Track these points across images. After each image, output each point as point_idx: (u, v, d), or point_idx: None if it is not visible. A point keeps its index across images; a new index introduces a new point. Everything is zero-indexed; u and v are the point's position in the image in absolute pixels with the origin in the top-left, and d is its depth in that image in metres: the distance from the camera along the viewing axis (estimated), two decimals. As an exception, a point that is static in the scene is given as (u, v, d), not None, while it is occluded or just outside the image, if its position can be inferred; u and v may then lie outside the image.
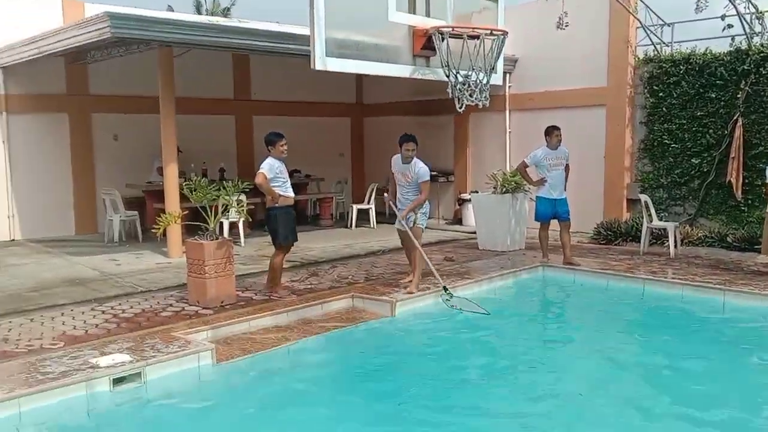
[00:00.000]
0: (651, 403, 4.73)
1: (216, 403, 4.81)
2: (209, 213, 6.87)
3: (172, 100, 9.11)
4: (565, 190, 8.76)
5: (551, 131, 8.68)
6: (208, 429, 4.43)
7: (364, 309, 6.80)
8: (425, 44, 7.51)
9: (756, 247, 8.97)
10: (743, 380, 5.22)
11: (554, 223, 8.77)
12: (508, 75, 12.23)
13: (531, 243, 9.84)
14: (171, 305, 6.80)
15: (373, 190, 12.44)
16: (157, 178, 10.66)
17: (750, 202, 9.74)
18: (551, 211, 8.72)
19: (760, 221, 9.01)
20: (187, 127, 10.69)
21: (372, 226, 12.36)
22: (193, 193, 6.91)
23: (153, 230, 7.34)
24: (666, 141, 10.62)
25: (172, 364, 5.05)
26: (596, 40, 11.18)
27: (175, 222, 7.41)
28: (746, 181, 9.70)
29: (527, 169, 8.94)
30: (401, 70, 7.49)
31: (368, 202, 12.57)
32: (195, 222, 7.19)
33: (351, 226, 12.35)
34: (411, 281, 7.27)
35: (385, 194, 7.70)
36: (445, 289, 6.89)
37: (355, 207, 12.52)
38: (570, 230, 8.82)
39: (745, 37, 9.88)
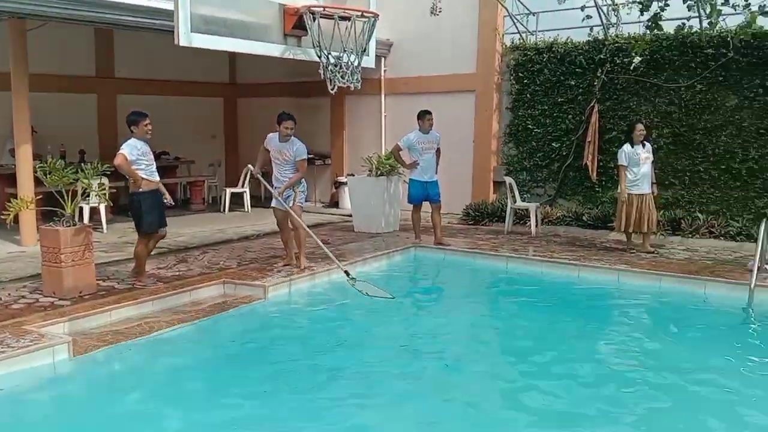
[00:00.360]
0: (510, 364, 5.05)
1: (72, 398, 4.54)
2: (66, 197, 6.43)
3: (25, 76, 8.41)
4: (436, 173, 9.01)
5: (423, 115, 8.88)
6: (60, 427, 4.17)
7: (235, 295, 6.66)
8: (296, 24, 7.44)
9: (609, 224, 9.69)
10: (572, 337, 5.77)
11: (426, 205, 9.01)
12: (383, 59, 12.35)
13: (405, 225, 10.06)
14: (24, 297, 6.31)
15: (247, 173, 12.13)
16: (10, 161, 9.84)
17: (604, 183, 10.46)
18: (423, 194, 8.96)
19: (612, 201, 9.71)
20: (44, 106, 9.93)
21: (246, 210, 12.12)
22: (48, 176, 6.43)
23: (2, 216, 6.79)
24: (529, 126, 11.17)
25: (24, 360, 4.70)
26: (466, 27, 11.52)
27: (27, 207, 6.88)
28: (601, 164, 10.40)
29: (401, 153, 9.12)
30: (271, 49, 7.37)
31: (243, 186, 12.30)
32: (52, 207, 6.71)
33: (224, 210, 12.04)
34: (286, 264, 7.26)
35: (250, 166, 7.55)
36: (347, 273, 6.77)
37: (229, 190, 12.22)
38: (441, 212, 9.10)
39: (602, 27, 10.56)
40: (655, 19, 8.76)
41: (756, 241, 7.06)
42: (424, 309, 7.03)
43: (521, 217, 10.55)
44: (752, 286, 6.51)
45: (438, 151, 9.01)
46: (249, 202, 12.22)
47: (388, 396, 4.57)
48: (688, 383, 4.74)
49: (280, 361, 5.19)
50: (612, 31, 10.57)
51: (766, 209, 9.15)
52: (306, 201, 7.58)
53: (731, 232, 9.22)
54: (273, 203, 7.48)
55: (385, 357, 5.35)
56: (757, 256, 6.84)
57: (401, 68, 12.37)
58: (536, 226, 10.06)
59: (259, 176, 7.43)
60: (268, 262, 7.77)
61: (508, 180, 10.51)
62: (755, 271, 6.65)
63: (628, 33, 10.41)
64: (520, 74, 11.19)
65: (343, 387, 4.71)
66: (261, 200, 12.43)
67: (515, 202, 10.34)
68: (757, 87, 9.17)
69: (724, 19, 9.04)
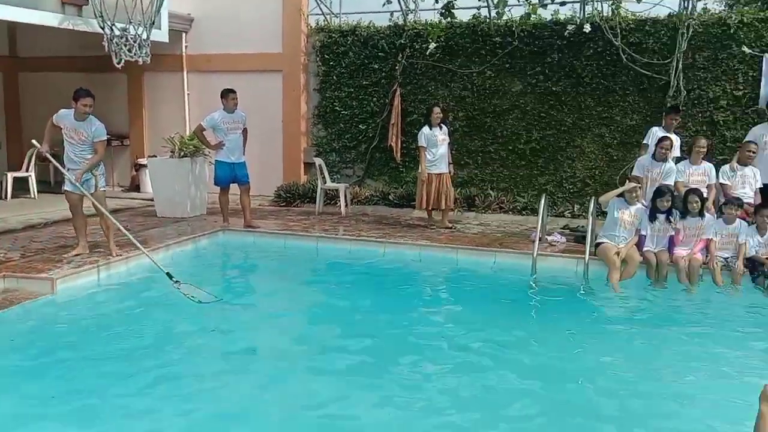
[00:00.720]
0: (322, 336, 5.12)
1: None
2: None
3: None
4: (243, 153, 8.82)
5: (227, 94, 8.63)
6: None
7: (18, 289, 6.01)
8: (75, -10, 6.80)
9: (412, 203, 10.14)
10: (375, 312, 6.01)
11: (235, 187, 8.79)
12: (183, 34, 11.78)
13: (213, 208, 9.74)
14: None
15: (33, 153, 11.00)
16: None
17: (407, 164, 10.93)
18: (230, 175, 8.73)
19: (415, 180, 10.17)
20: None
21: (32, 196, 10.98)
22: None
23: None
24: (337, 108, 11.33)
25: None
26: (271, 5, 11.35)
27: None
28: (404, 145, 10.85)
29: (204, 133, 8.79)
30: (47, 18, 6.66)
31: (27, 170, 11.11)
32: None
33: (6, 197, 10.79)
34: (78, 254, 6.73)
35: (35, 142, 6.85)
36: (169, 276, 6.15)
37: (11, 175, 10.97)
38: (250, 193, 8.94)
39: (401, 13, 10.95)
40: (448, 7, 9.29)
41: (537, 214, 7.81)
42: (231, 293, 6.85)
43: (332, 197, 10.70)
44: (535, 254, 7.20)
45: (245, 131, 8.82)
46: (35, 187, 11.08)
47: (187, 396, 4.32)
48: (478, 343, 5.16)
49: (66, 360, 4.73)
50: (411, 17, 11.01)
51: (547, 185, 10.16)
52: (105, 186, 7.05)
53: (518, 207, 10.12)
54: (66, 186, 6.85)
55: (184, 355, 5.04)
56: (538, 228, 7.59)
57: (204, 45, 11.89)
58: (346, 206, 10.28)
59: (48, 155, 6.76)
60: (57, 253, 7.11)
61: (318, 161, 10.60)
62: (536, 242, 7.36)
63: (426, 20, 10.91)
64: (326, 56, 11.28)
65: (133, 387, 4.29)
66: (51, 185, 11.36)
67: (325, 182, 10.48)
68: (538, 74, 10.10)
69: (509, 10, 9.83)
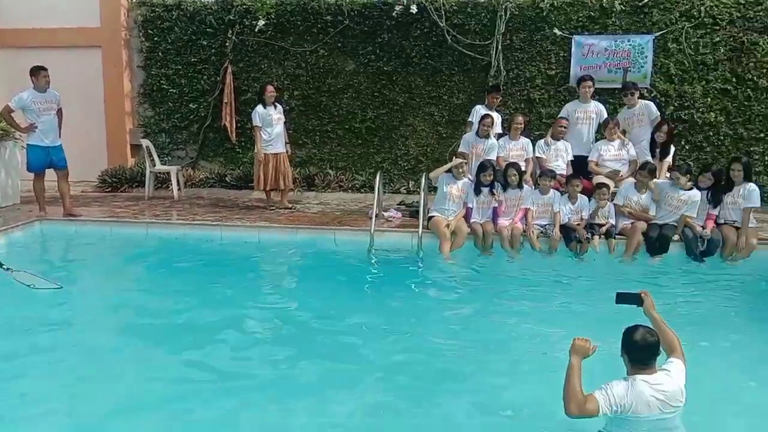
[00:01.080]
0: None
1: None
2: None
3: None
4: (60, 136, 8.14)
5: (37, 72, 7.93)
6: None
7: None
8: None
9: (250, 184, 9.93)
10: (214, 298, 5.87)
11: (52, 173, 8.09)
12: (-15, 5, 10.57)
13: (27, 197, 8.88)
14: None
15: None
16: None
17: (243, 144, 10.68)
18: (46, 160, 8.04)
19: (252, 161, 9.97)
20: None
21: None
22: None
23: None
24: (164, 86, 10.77)
25: None
26: (85, -25, 10.50)
27: None
28: (239, 125, 10.58)
29: (13, 115, 7.99)
30: None
31: None
32: None
33: None
34: None
35: None
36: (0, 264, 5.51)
37: None
38: (69, 179, 8.28)
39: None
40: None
41: (374, 191, 7.98)
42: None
43: (163, 181, 10.19)
44: (372, 231, 7.37)
45: (59, 111, 8.12)
46: None
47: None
48: (318, 323, 5.21)
49: None
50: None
51: (383, 163, 10.41)
52: None
53: (357, 185, 10.29)
54: None
55: None
56: (374, 205, 7.77)
57: (13, 18, 10.75)
58: (179, 189, 9.86)
59: None
60: None
61: (146, 143, 10.06)
62: (373, 218, 7.54)
63: (255, -4, 10.66)
64: (150, 31, 10.67)
65: None
66: None
67: (155, 165, 9.97)
68: (369, 54, 10.25)
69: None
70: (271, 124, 8.68)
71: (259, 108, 8.70)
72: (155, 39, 10.67)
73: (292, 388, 4.14)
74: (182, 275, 6.54)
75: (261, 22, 9.56)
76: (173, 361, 4.52)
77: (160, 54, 10.71)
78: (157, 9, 10.57)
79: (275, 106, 8.79)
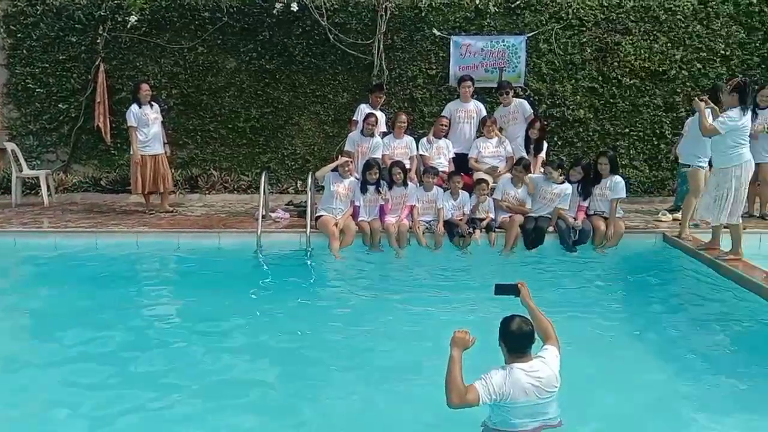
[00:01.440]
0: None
1: None
2: None
3: None
4: None
5: None
6: None
7: None
8: None
9: (128, 188, 9.49)
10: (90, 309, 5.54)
11: None
12: None
13: None
14: None
15: None
16: None
17: (119, 145, 10.19)
18: None
19: (129, 164, 9.52)
20: None
21: None
22: None
23: None
24: (30, 85, 10.09)
25: None
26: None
27: None
28: (114, 125, 10.08)
29: None
30: None
31: None
32: None
33: None
34: None
35: None
36: None
37: None
38: None
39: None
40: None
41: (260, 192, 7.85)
42: None
43: (32, 186, 9.57)
44: (258, 232, 7.25)
45: None
46: None
47: None
48: (207, 327, 5.07)
49: None
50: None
51: (269, 163, 10.26)
52: None
53: (243, 186, 10.10)
54: None
55: None
56: (260, 206, 7.64)
57: None
58: (49, 195, 9.27)
59: None
60: None
61: (11, 146, 9.39)
62: (260, 220, 7.41)
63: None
64: (12, 27, 9.98)
65: None
66: None
67: (22, 170, 9.31)
68: (251, 51, 10.06)
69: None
70: (147, 124, 8.33)
71: (134, 107, 8.32)
72: (19, 35, 9.99)
73: (167, 400, 3.98)
74: (53, 287, 6.11)
75: (133, 18, 9.17)
76: (42, 376, 4.24)
77: (24, 51, 10.03)
78: (19, 3, 9.89)
79: (151, 105, 8.45)
